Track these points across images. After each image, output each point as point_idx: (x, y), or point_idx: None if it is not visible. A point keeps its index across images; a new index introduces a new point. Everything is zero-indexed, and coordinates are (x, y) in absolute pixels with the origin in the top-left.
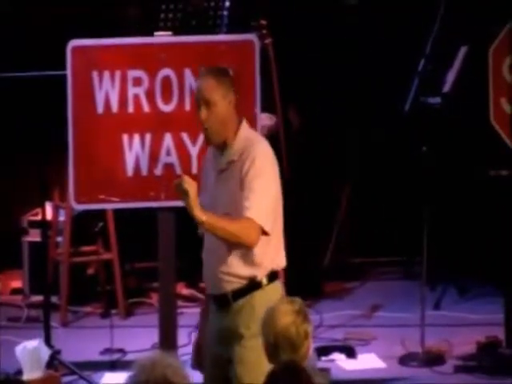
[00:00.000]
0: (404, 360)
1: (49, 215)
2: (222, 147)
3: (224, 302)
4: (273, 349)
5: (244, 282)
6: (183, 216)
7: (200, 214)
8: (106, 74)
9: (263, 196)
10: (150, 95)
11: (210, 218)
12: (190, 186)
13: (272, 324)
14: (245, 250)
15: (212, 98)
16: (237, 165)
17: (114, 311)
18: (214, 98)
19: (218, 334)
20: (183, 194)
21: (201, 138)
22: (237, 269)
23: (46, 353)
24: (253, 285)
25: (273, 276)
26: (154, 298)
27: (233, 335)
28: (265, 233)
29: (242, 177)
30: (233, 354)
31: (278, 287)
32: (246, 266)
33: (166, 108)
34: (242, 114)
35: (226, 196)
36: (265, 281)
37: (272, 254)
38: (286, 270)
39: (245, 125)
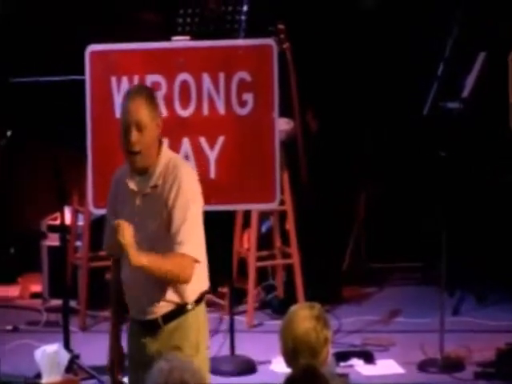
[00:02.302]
0: (423, 366)
1: (68, 220)
2: (143, 171)
3: (153, 327)
4: (292, 354)
5: (174, 306)
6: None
7: (138, 258)
8: (125, 78)
9: (194, 226)
10: (168, 100)
11: (148, 261)
12: (126, 230)
13: (292, 329)
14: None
15: (143, 121)
16: (161, 189)
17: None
18: (146, 120)
19: (146, 359)
20: (120, 235)
21: (219, 143)
22: (166, 295)
23: (65, 357)
24: (183, 308)
25: (201, 297)
26: None
27: (155, 354)
28: (197, 262)
29: (168, 204)
30: None
31: (203, 306)
32: (176, 291)
33: (184, 112)
34: (260, 119)
35: (152, 221)
36: (194, 303)
37: (200, 278)
38: (306, 275)
39: (165, 147)
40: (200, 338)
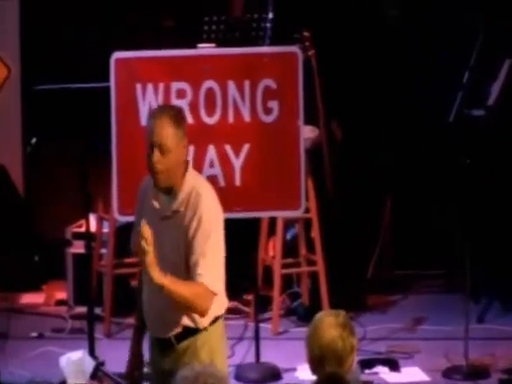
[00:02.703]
0: (448, 373)
1: (93, 227)
2: (167, 192)
3: (167, 346)
4: (318, 362)
5: (187, 327)
6: (226, 228)
7: (160, 278)
8: (150, 85)
9: (213, 258)
10: (194, 107)
11: (169, 282)
12: (150, 246)
13: (318, 336)
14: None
15: (167, 144)
16: (181, 217)
17: None
18: (170, 143)
19: (161, 377)
20: (142, 253)
21: (244, 150)
22: (180, 318)
23: (89, 364)
24: (196, 329)
25: (216, 319)
26: None
27: (170, 373)
28: (215, 295)
29: (188, 234)
30: None
31: (219, 326)
32: (189, 316)
33: (210, 120)
34: (285, 126)
35: (170, 246)
36: (208, 325)
37: (217, 303)
38: (331, 282)
39: (191, 170)
40: (213, 358)
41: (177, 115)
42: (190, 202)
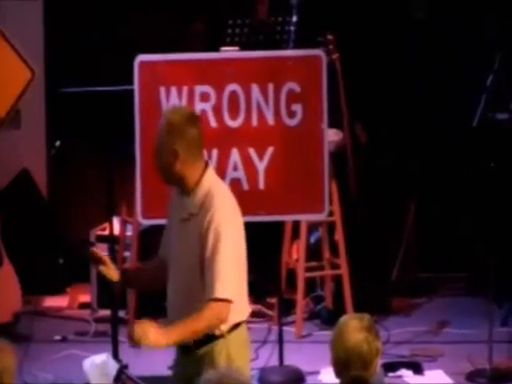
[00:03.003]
0: (471, 377)
1: (116, 230)
2: (187, 194)
3: (188, 351)
4: (343, 365)
5: (206, 333)
6: (250, 231)
7: (164, 342)
8: (174, 89)
9: (225, 263)
10: (217, 110)
11: (175, 336)
12: (144, 333)
13: (343, 340)
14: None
15: (157, 146)
16: (196, 220)
17: None
18: (159, 145)
19: (182, 381)
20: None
21: (268, 153)
22: None
23: (113, 367)
24: (215, 336)
25: (235, 326)
26: None
27: (190, 378)
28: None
29: (201, 239)
30: None
31: (239, 333)
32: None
33: (233, 123)
34: (309, 129)
35: (186, 249)
36: (226, 331)
37: (236, 310)
38: (354, 286)
39: (210, 172)
40: (232, 364)
41: (172, 122)
42: (205, 204)
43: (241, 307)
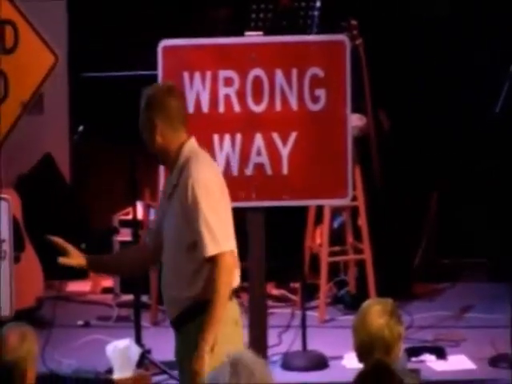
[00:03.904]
0: (494, 361)
1: (139, 214)
2: (170, 168)
3: (176, 330)
4: (365, 350)
5: (191, 303)
6: (274, 216)
7: (207, 346)
8: (197, 74)
9: (210, 220)
10: (241, 95)
11: (211, 330)
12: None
13: (365, 325)
14: (192, 273)
15: (139, 122)
16: (177, 190)
17: None
18: (140, 122)
19: (177, 362)
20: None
21: (291, 138)
22: (184, 292)
23: (136, 352)
24: (195, 308)
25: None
26: (244, 298)
27: (183, 359)
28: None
29: (182, 206)
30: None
31: (231, 306)
32: (193, 287)
33: (257, 108)
34: (332, 115)
35: (172, 223)
36: (206, 306)
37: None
38: (377, 270)
39: (189, 144)
40: (217, 338)
41: (150, 96)
42: (183, 173)
43: None
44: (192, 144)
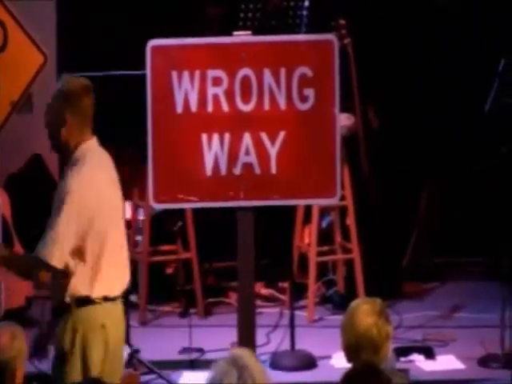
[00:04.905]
0: (484, 361)
1: (128, 214)
2: (66, 163)
3: None
4: (353, 349)
5: (56, 303)
6: (262, 215)
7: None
8: (186, 73)
9: (59, 230)
10: (230, 95)
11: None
12: None
13: (354, 324)
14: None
15: (45, 117)
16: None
17: (192, 310)
18: (46, 116)
19: None
20: None
21: (280, 138)
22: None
23: (125, 351)
24: (62, 307)
25: (83, 302)
26: (233, 298)
27: None
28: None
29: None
30: None
31: (90, 312)
32: (57, 288)
33: (245, 108)
34: (321, 114)
35: None
36: (74, 305)
37: (82, 282)
38: (366, 270)
39: (91, 142)
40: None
41: (66, 90)
42: (66, 172)
43: (91, 284)
44: (89, 145)
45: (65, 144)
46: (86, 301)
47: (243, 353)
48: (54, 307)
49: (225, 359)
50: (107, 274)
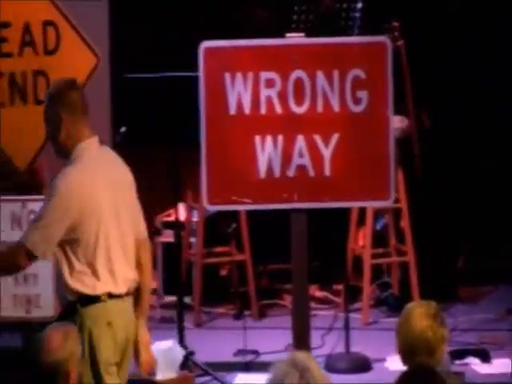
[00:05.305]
0: None
1: (182, 216)
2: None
3: None
4: (408, 351)
5: (63, 304)
6: (316, 218)
7: None
8: (239, 75)
9: (44, 222)
10: (283, 97)
11: None
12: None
13: (409, 327)
14: (59, 272)
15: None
16: None
17: (246, 312)
18: (44, 114)
19: None
20: None
21: (333, 140)
22: (58, 290)
23: (179, 353)
24: (68, 307)
25: (88, 300)
26: (287, 300)
27: None
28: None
29: None
30: None
31: (97, 310)
32: (62, 288)
33: (299, 110)
34: (374, 116)
35: None
36: (78, 305)
37: (82, 282)
38: (421, 273)
39: (90, 140)
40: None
41: (52, 91)
42: (60, 171)
43: (90, 281)
44: (87, 144)
45: (64, 146)
46: (90, 299)
47: (303, 355)
48: (61, 308)
49: (284, 361)
50: (106, 271)
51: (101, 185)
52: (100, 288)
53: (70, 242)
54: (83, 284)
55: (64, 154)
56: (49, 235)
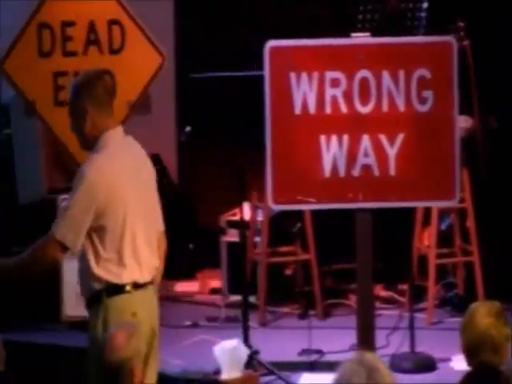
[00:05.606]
0: None
1: (247, 215)
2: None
3: None
4: (473, 349)
5: (88, 294)
6: (381, 217)
7: None
8: (304, 74)
9: (72, 212)
10: (348, 96)
11: None
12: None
13: (473, 326)
14: (84, 262)
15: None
16: None
17: (311, 312)
18: (69, 105)
19: None
20: None
21: (399, 140)
22: (85, 284)
23: (244, 353)
24: (93, 297)
25: (114, 290)
26: (352, 300)
27: None
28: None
29: None
30: None
31: (122, 301)
32: (86, 278)
33: (364, 109)
34: (440, 116)
35: None
36: (104, 295)
37: (108, 272)
38: (486, 273)
39: (114, 130)
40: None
41: (78, 83)
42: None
43: (116, 270)
44: (113, 133)
45: (89, 137)
46: (116, 289)
47: (371, 355)
48: (85, 298)
49: (351, 360)
50: (133, 259)
51: (126, 173)
52: (126, 277)
53: (97, 230)
54: (109, 272)
55: (89, 145)
56: (77, 224)
